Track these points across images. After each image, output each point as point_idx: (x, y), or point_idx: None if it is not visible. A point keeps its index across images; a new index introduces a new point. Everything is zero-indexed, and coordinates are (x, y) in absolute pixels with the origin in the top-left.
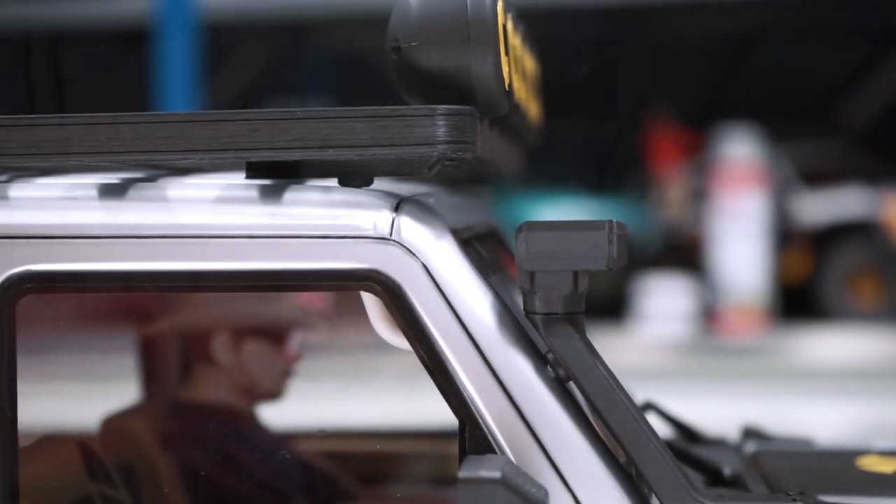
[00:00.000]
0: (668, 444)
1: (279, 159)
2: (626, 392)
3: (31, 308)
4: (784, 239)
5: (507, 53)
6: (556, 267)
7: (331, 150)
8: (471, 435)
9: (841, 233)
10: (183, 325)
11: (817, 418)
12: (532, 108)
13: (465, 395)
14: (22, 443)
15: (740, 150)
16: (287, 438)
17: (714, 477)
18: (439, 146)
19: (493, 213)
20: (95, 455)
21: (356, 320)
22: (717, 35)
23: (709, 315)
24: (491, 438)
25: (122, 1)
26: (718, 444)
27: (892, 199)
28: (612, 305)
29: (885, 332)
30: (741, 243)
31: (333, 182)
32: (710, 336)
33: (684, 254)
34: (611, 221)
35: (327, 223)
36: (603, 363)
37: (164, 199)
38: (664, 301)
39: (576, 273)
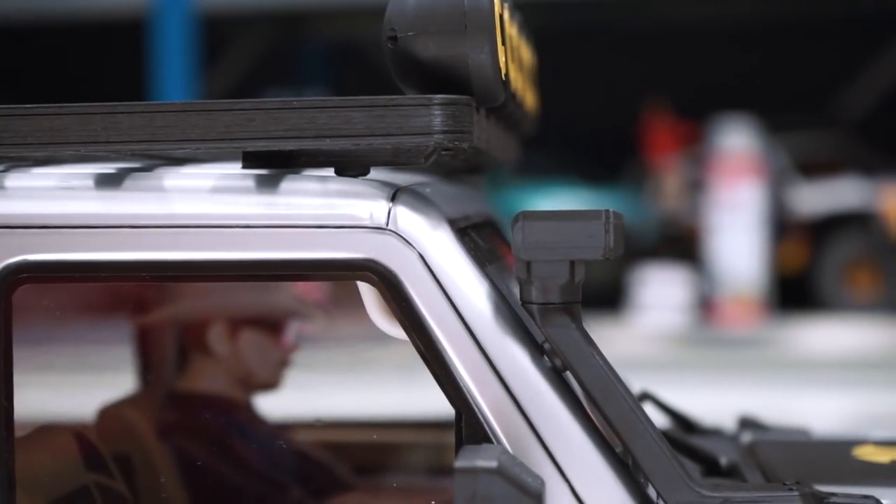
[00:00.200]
0: (665, 435)
1: (275, 149)
2: (622, 382)
3: (28, 298)
4: (781, 230)
5: (503, 43)
6: (552, 256)
7: (327, 140)
8: (467, 425)
9: (838, 223)
10: (179, 314)
11: (814, 409)
12: (528, 97)
13: (462, 384)
14: (18, 433)
15: (737, 140)
16: (283, 428)
17: (710, 467)
18: (436, 136)
19: (490, 203)
20: (92, 445)
21: (353, 310)
22: (714, 25)
23: (705, 306)
24: (487, 428)
25: None
26: (715, 434)
27: (888, 190)
28: (609, 296)
29: (882, 322)
30: (738, 234)
31: (330, 172)
32: (707, 327)
33: (681, 244)
34: (607, 211)
35: (324, 213)
36: (599, 353)
37: (161, 189)
38: (661, 292)
39: (572, 262)
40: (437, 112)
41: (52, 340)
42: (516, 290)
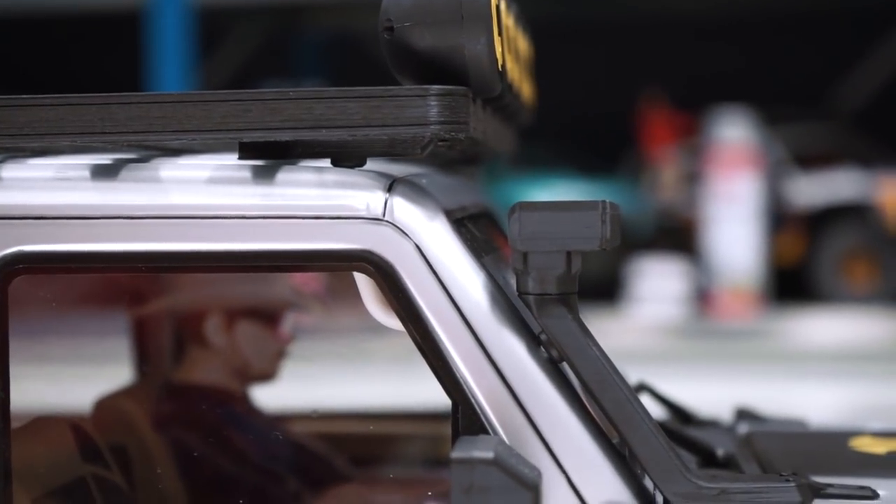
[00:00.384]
0: (662, 426)
1: (272, 139)
2: (619, 373)
3: (24, 289)
4: (778, 221)
5: (500, 33)
6: (549, 247)
7: (323, 131)
8: (464, 416)
9: (834, 215)
10: (176, 306)
11: (811, 400)
12: (525, 88)
13: (458, 375)
14: (14, 424)
15: (734, 132)
16: (280, 420)
17: (707, 458)
18: (432, 126)
19: (486, 195)
20: (88, 437)
21: (349, 301)
22: (710, 17)
23: (702, 297)
24: (484, 419)
25: None
26: (711, 425)
27: (885, 182)
28: (606, 288)
29: (879, 314)
30: (735, 226)
31: (326, 162)
32: (704, 318)
33: (678, 236)
34: (604, 202)
35: (320, 203)
36: (596, 343)
37: (157, 180)
38: (658, 283)
39: (569, 253)
40: (433, 103)
41: (49, 331)
42: (513, 281)
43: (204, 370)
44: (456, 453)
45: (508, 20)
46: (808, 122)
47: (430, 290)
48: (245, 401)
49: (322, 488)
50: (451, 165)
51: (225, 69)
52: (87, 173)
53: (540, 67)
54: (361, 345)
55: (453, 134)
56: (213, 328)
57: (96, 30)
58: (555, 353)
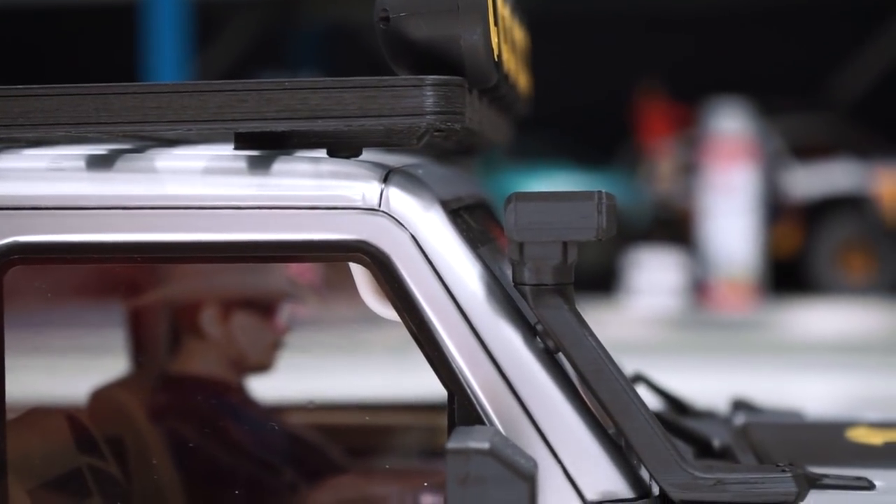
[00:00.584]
0: (658, 416)
1: (267, 130)
2: (615, 363)
3: (19, 279)
4: (774, 213)
5: (496, 24)
6: (545, 238)
7: (319, 121)
8: (460, 406)
9: (831, 206)
10: (171, 296)
11: (807, 391)
12: (521, 79)
13: (454, 366)
14: (9, 416)
15: (731, 123)
16: (276, 411)
17: (703, 448)
18: (428, 117)
19: (482, 185)
20: (84, 427)
21: (345, 292)
22: (707, 8)
23: (699, 289)
24: (480, 409)
25: None
26: (708, 416)
27: (882, 173)
28: (603, 279)
29: (875, 305)
30: (732, 217)
31: (322, 153)
32: (701, 310)
33: (675, 228)
34: (600, 192)
35: (316, 194)
36: (592, 334)
37: (153, 171)
38: (654, 275)
39: (565, 244)
40: (429, 93)
41: (44, 322)
42: (509, 272)
43: (200, 361)
44: (452, 444)
45: (504, 10)
46: (806, 113)
47: (426, 280)
48: (241, 392)
49: (318, 479)
50: (447, 156)
51: (221, 60)
52: (82, 164)
53: (536, 58)
54: (357, 335)
55: (449, 124)
56: (208, 319)
57: (93, 21)
58: (551, 344)
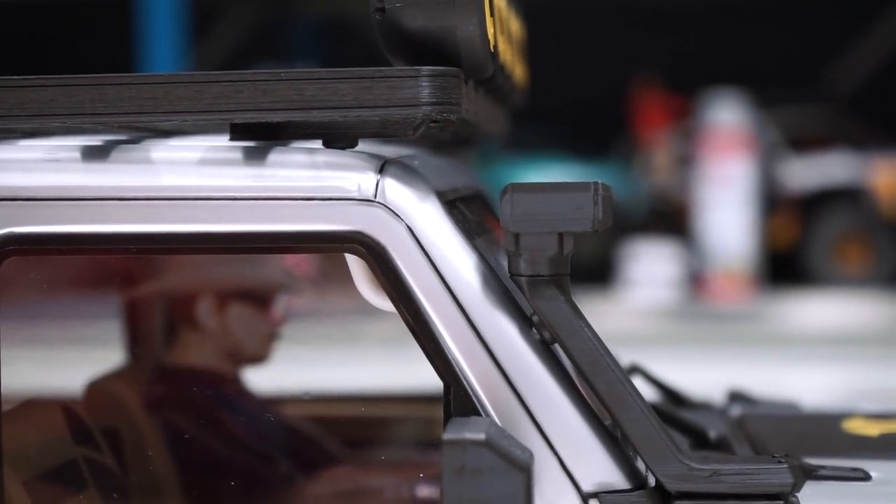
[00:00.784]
0: (654, 408)
1: (263, 120)
2: (611, 354)
3: (15, 270)
4: (771, 204)
5: (492, 14)
6: (541, 228)
7: (315, 112)
8: (456, 397)
9: (828, 198)
10: (167, 287)
11: (804, 383)
12: (517, 70)
13: (450, 357)
14: (4, 407)
15: (727, 115)
16: (272, 402)
17: (699, 440)
18: (424, 107)
19: (479, 177)
20: (79, 419)
21: (341, 283)
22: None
23: (695, 281)
24: (476, 401)
25: None
26: (704, 407)
27: (878, 165)
28: (599, 271)
29: (872, 297)
30: (728, 209)
31: (318, 144)
32: (697, 302)
33: (671, 219)
34: (596, 183)
35: (312, 185)
36: (588, 325)
37: (148, 161)
38: (651, 267)
39: (561, 234)
40: (425, 84)
41: (40, 313)
42: (505, 263)
43: (195, 352)
44: (447, 435)
45: (500, 1)
46: (802, 104)
47: (422, 271)
48: (236, 383)
49: (313, 470)
50: (443, 147)
51: (217, 52)
52: (77, 155)
53: (533, 50)
54: (353, 326)
55: (445, 115)
56: (204, 310)
57: (89, 13)
58: (547, 335)
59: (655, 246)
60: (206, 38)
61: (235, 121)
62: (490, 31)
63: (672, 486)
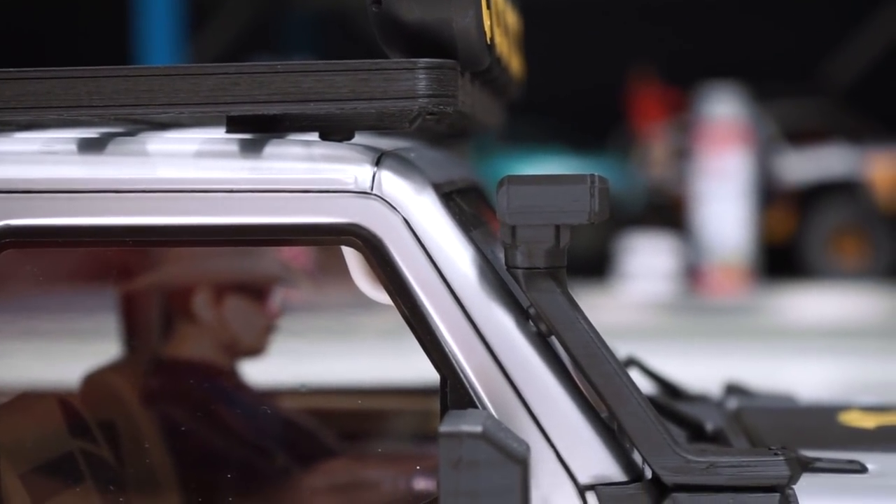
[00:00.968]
0: (651, 400)
1: (260, 113)
2: (607, 347)
3: (11, 263)
4: (768, 198)
5: (488, 7)
6: (537, 221)
7: (311, 104)
8: (452, 390)
9: (824, 192)
10: (164, 280)
11: (801, 376)
12: (514, 62)
13: (447, 349)
14: (1, 400)
15: (724, 108)
16: (269, 395)
17: (696, 432)
18: (420, 100)
19: (475, 170)
20: (76, 412)
21: (337, 275)
22: None
23: (692, 274)
24: (472, 393)
25: None
26: (701, 400)
27: (875, 158)
28: (596, 264)
29: (868, 290)
30: (725, 202)
31: (314, 136)
32: (694, 295)
33: (668, 213)
34: (592, 175)
35: (308, 177)
36: (585, 317)
37: (145, 154)
38: (647, 260)
39: (557, 227)
40: (421, 76)
41: (36, 306)
42: (501, 256)
43: (192, 345)
44: (444, 427)
45: None
46: (799, 98)
47: (419, 263)
48: (233, 376)
49: (310, 463)
50: (439, 139)
51: (214, 45)
52: (74, 147)
53: (530, 43)
54: (350, 319)
55: (441, 107)
56: (201, 303)
57: (87, 5)
58: (543, 328)
59: (652, 239)
60: (202, 30)
61: (232, 113)
62: (486, 23)
63: (669, 478)
